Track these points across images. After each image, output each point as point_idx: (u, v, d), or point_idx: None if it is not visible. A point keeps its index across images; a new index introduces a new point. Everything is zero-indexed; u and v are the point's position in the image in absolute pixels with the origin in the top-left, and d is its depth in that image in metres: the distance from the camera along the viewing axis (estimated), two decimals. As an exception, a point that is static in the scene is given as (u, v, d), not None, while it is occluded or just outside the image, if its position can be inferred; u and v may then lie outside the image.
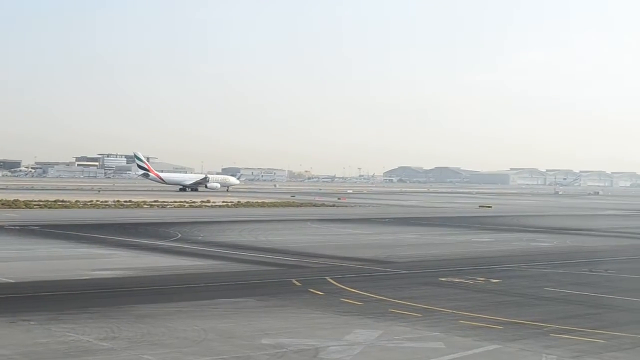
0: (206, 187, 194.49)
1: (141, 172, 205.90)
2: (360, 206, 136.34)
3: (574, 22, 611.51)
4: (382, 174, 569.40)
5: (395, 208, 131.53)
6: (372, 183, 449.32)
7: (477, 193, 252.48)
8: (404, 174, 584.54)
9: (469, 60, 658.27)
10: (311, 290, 36.51)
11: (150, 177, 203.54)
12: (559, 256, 56.11)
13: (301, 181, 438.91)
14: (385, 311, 31.01)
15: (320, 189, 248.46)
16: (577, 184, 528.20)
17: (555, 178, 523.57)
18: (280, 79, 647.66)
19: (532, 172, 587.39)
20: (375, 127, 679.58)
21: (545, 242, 67.78)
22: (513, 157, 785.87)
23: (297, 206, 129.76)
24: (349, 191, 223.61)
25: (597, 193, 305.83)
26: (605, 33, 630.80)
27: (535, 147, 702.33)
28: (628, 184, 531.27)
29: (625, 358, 24.25)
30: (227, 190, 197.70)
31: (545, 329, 28.07)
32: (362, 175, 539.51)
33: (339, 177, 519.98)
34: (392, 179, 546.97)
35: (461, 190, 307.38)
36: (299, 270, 45.25)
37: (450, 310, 31.42)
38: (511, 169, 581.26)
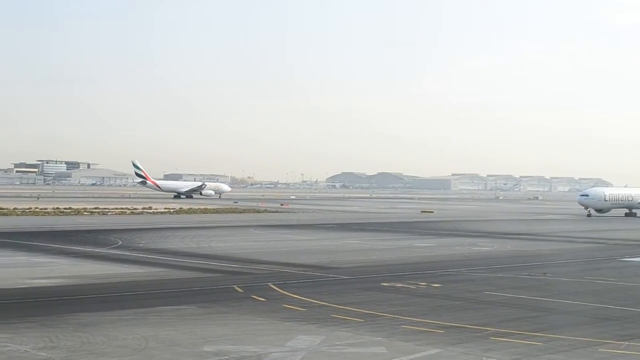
0: (201, 194, 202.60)
1: (139, 180, 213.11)
2: (303, 212, 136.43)
3: (513, 29, 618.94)
4: (325, 180, 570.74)
5: (338, 214, 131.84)
6: (315, 189, 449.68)
7: (419, 198, 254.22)
8: (346, 179, 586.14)
9: (410, 69, 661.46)
10: (253, 296, 36.42)
11: (147, 184, 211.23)
12: (499, 260, 56.79)
13: (244, 187, 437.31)
14: (327, 317, 31.05)
15: (263, 195, 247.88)
16: (517, 189, 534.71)
17: (495, 183, 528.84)
18: (224, 84, 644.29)
19: (473, 177, 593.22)
20: (318, 133, 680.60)
21: (485, 247, 68.50)
22: (454, 162, 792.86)
23: (240, 212, 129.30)
24: (292, 197, 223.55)
25: (537, 198, 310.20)
26: (541, 41, 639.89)
27: (476, 152, 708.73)
28: (566, 189, 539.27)
29: (563, 360, 24.65)
30: (219, 197, 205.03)
31: (485, 332, 28.37)
32: (305, 181, 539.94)
33: (282, 183, 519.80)
34: (335, 185, 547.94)
35: (403, 195, 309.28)
36: (242, 276, 45.13)
37: (393, 315, 31.59)
38: (452, 175, 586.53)
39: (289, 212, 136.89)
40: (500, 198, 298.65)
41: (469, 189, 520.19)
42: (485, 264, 53.99)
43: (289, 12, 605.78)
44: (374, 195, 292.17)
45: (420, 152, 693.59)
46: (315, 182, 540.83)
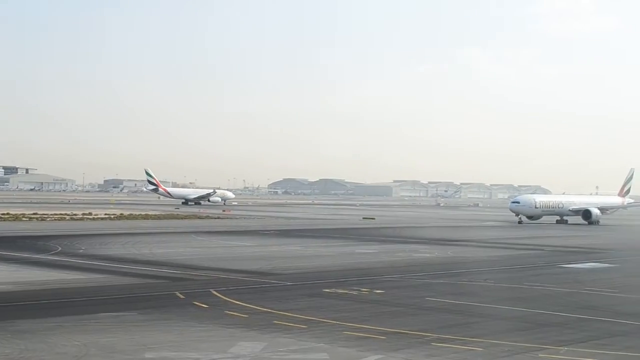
0: (209, 200, 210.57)
1: (151, 187, 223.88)
2: (245, 218, 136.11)
3: (453, 37, 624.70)
4: (267, 186, 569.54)
5: (280, 220, 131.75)
6: (257, 195, 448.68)
7: (360, 205, 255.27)
8: (289, 185, 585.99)
9: (352, 76, 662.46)
10: (195, 303, 36.23)
11: (159, 191, 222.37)
12: (440, 266, 57.25)
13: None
14: (269, 323, 31.02)
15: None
16: (457, 195, 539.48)
17: (436, 190, 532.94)
18: (163, 89, 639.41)
19: (415, 184, 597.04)
20: (259, 139, 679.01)
21: (427, 253, 69.01)
22: (396, 169, 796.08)
23: (182, 218, 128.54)
24: (234, 203, 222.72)
25: (477, 205, 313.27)
26: (486, 49, 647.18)
27: (415, 160, 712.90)
28: (506, 196, 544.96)
29: (503, 365, 24.96)
30: (224, 203, 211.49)
31: (426, 338, 28.59)
32: (247, 187, 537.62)
33: (224, 189, 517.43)
34: (277, 191, 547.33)
35: (345, 202, 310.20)
36: (183, 283, 44.87)
37: (335, 321, 31.66)
38: (394, 181, 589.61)
39: (230, 218, 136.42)
40: (441, 205, 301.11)
41: (410, 196, 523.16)
42: (426, 270, 54.38)
43: (219, 16, 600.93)
44: (316, 202, 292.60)
45: (362, 158, 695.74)
46: (257, 188, 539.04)
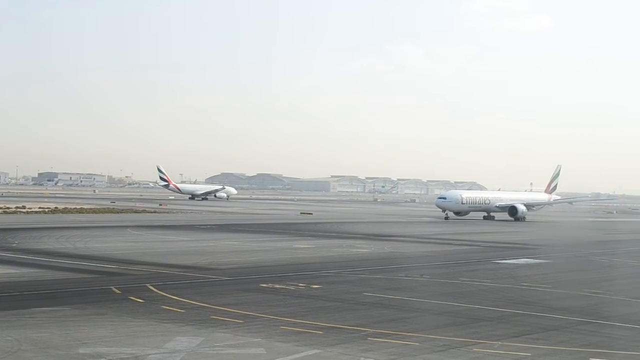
0: (215, 196, 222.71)
1: (163, 183, 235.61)
2: (182, 212, 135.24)
3: (388, 33, 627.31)
4: (204, 180, 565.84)
5: (218, 214, 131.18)
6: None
7: (298, 200, 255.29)
8: (226, 180, 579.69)
9: (286, 71, 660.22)
10: (131, 297, 35.93)
11: (169, 187, 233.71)
12: (377, 262, 57.57)
13: (122, 187, 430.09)
14: (206, 318, 30.91)
15: (141, 195, 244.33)
16: (395, 191, 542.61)
17: (374, 185, 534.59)
18: (99, 81, 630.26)
19: (352, 179, 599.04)
20: (196, 132, 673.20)
21: (364, 248, 69.32)
22: (333, 164, 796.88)
23: (118, 213, 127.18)
24: (170, 197, 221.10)
25: (414, 200, 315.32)
26: (421, 46, 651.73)
27: (353, 155, 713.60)
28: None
29: (439, 359, 25.20)
30: (227, 199, 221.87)
31: (363, 332, 28.76)
32: (184, 182, 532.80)
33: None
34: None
35: (283, 197, 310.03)
36: (119, 277, 44.39)
37: (272, 316, 31.67)
38: (332, 177, 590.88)
39: (167, 212, 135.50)
40: (379, 200, 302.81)
41: (348, 191, 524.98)
42: (363, 265, 54.61)
43: (163, 9, 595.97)
44: (253, 196, 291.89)
45: (300, 153, 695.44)
46: (195, 182, 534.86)
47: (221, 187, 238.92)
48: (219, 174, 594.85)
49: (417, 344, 27.07)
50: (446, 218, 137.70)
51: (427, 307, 35.96)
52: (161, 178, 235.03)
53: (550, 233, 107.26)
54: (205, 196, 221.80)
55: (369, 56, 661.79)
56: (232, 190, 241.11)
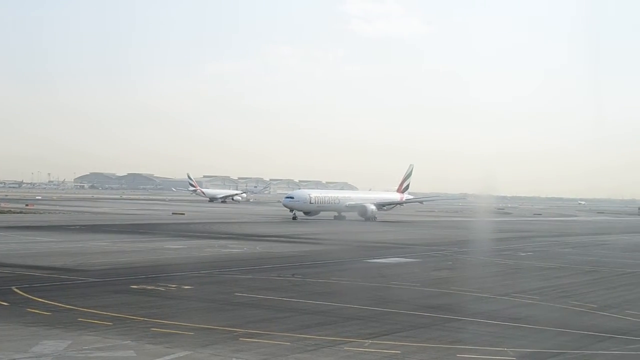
0: (232, 199, 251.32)
1: (192, 188, 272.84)
2: (49, 213, 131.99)
3: (264, 34, 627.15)
4: (73, 180, 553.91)
5: (87, 215, 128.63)
6: (62, 189, 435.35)
7: (170, 200, 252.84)
8: (96, 180, 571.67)
9: (157, 72, 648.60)
10: (-5, 301, 34.87)
11: (197, 192, 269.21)
12: (249, 262, 57.55)
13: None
14: (74, 320, 30.29)
15: (6, 195, 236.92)
16: (267, 191, 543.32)
17: (246, 185, 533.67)
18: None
19: (225, 179, 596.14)
20: (65, 130, 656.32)
21: (236, 249, 69.18)
22: (206, 165, 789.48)
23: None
24: (38, 197, 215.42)
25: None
26: (296, 47, 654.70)
27: (224, 155, 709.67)
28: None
29: (310, 359, 25.40)
30: (246, 200, 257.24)
31: (235, 333, 28.75)
32: (52, 181, 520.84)
33: (27, 183, 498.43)
34: (83, 185, 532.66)
35: (155, 197, 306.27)
36: (-18, 280, 42.99)
37: (142, 318, 31.30)
38: (204, 177, 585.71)
39: (34, 212, 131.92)
40: (251, 200, 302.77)
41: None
42: (236, 265, 54.53)
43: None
44: (124, 197, 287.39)
45: (172, 155, 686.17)
46: (63, 182, 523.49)
47: (241, 192, 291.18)
48: (88, 173, 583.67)
49: (288, 343, 27.23)
50: (294, 218, 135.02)
51: (299, 307, 36.21)
52: (190, 184, 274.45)
53: (414, 232, 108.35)
54: (224, 199, 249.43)
55: (243, 57, 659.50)
56: (244, 195, 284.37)
